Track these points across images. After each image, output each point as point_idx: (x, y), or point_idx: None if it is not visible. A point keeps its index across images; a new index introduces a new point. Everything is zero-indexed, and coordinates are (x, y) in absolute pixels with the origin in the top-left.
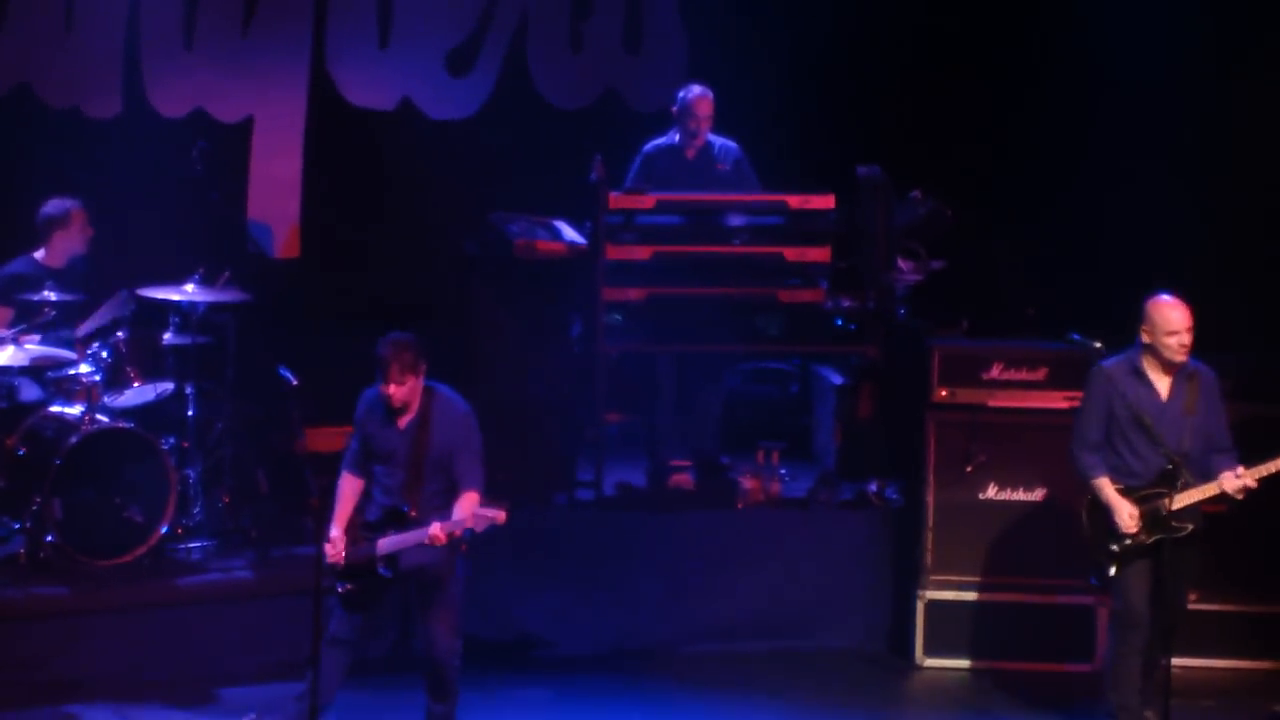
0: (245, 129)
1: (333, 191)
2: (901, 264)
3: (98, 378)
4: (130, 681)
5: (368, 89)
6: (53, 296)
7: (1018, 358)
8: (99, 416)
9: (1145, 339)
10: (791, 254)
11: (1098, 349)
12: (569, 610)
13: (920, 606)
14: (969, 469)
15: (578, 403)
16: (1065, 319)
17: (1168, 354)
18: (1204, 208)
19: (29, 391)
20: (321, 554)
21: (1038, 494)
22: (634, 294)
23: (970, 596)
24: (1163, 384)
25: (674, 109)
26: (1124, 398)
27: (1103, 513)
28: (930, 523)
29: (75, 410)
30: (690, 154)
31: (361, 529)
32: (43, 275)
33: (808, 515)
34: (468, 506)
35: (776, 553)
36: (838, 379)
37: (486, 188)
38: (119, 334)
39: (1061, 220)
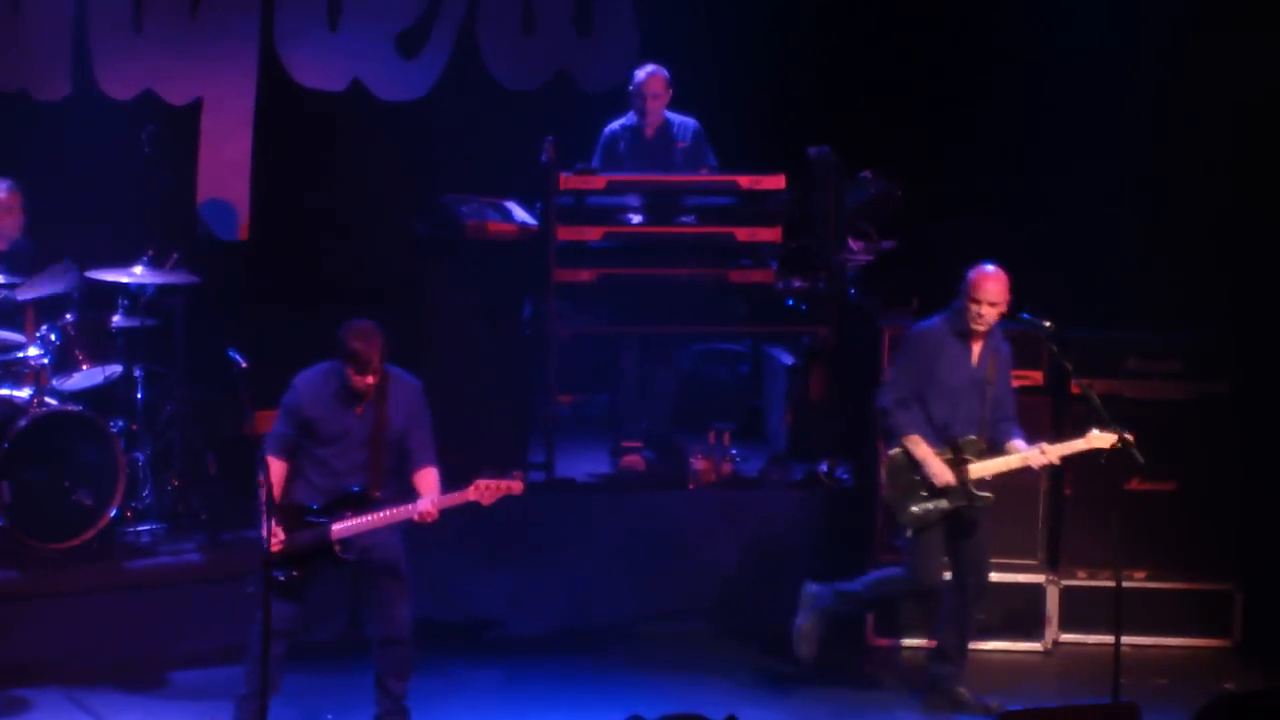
0: (194, 111)
1: (283, 173)
2: (852, 244)
3: (46, 361)
4: (80, 665)
5: (317, 71)
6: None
7: None
8: (48, 399)
9: (960, 304)
10: (743, 234)
11: (1048, 327)
12: (521, 592)
13: None
14: None
15: (529, 384)
16: (1016, 298)
17: (970, 320)
18: (1154, 187)
19: None
20: (266, 544)
21: None
22: (585, 275)
23: None
24: (973, 351)
25: (630, 88)
26: (936, 360)
27: (906, 472)
28: (881, 502)
29: (23, 393)
30: (649, 133)
31: (300, 514)
32: None
33: (759, 495)
34: (432, 482)
35: (728, 533)
36: (789, 359)
37: (437, 169)
38: (67, 316)
39: (1012, 199)
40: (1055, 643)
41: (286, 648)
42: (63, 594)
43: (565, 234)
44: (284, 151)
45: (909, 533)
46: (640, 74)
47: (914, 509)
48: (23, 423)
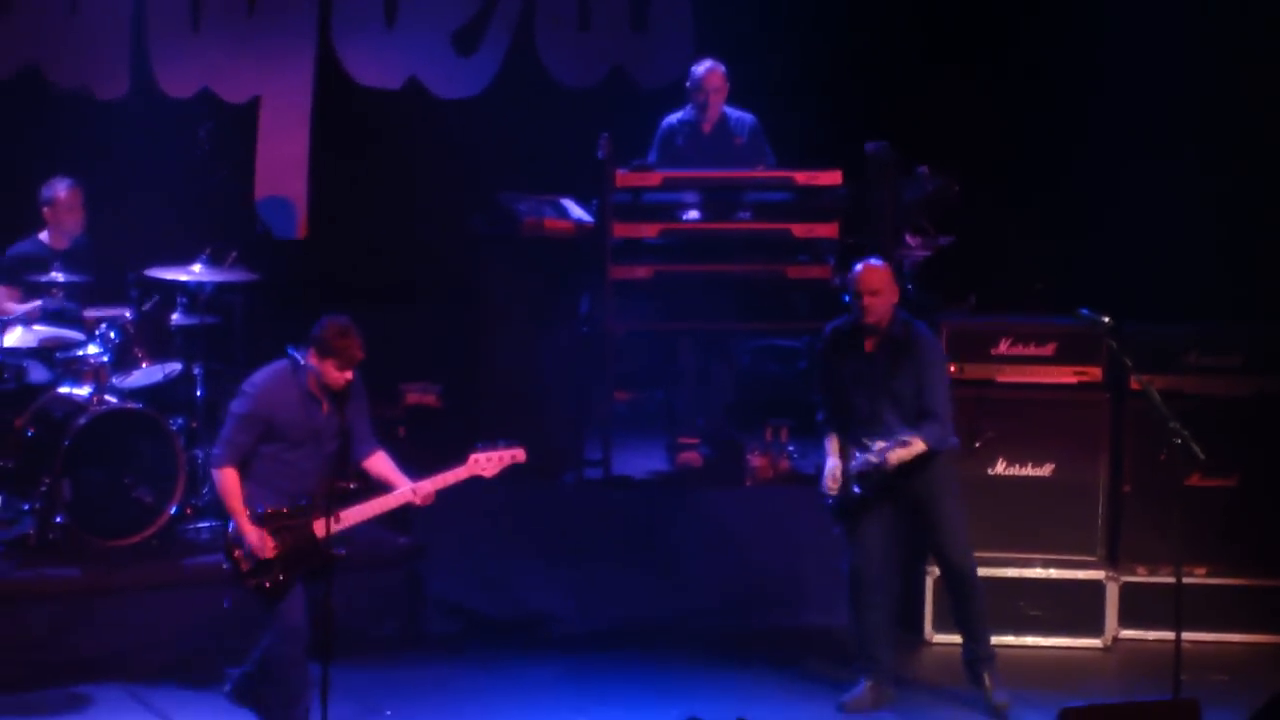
0: (252, 109)
1: (340, 171)
2: (909, 240)
3: (106, 359)
4: (141, 662)
5: (374, 68)
6: (60, 277)
7: (1026, 333)
8: (107, 397)
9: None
10: (799, 230)
11: (1106, 323)
12: (576, 588)
13: (929, 583)
14: (977, 445)
15: (585, 381)
16: (1074, 294)
17: (856, 314)
18: (1214, 180)
19: (37, 373)
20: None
21: (1046, 469)
22: (641, 272)
23: (979, 571)
24: (868, 345)
25: (687, 84)
26: (834, 360)
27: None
28: None
29: (84, 391)
30: (706, 128)
31: (277, 518)
32: (48, 256)
33: (817, 492)
34: (388, 464)
35: (786, 530)
36: None
37: (494, 166)
38: (125, 314)
39: (1070, 195)
40: (1115, 639)
41: (304, 650)
42: (123, 591)
43: (621, 231)
44: (341, 149)
45: (836, 528)
46: (699, 69)
47: (828, 501)
48: (83, 420)
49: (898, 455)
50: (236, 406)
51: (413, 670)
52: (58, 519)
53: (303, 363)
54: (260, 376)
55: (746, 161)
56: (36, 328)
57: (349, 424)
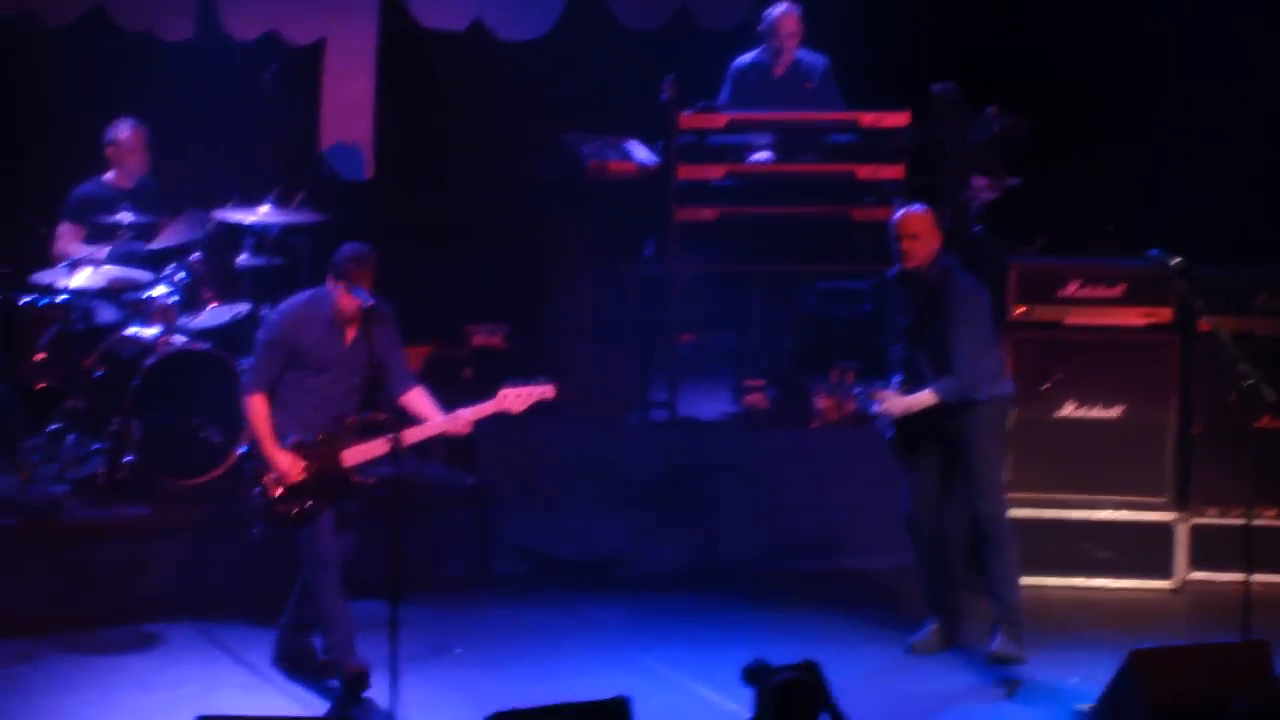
0: (317, 51)
1: (405, 113)
2: (976, 181)
3: (174, 299)
4: (211, 600)
5: (439, 10)
6: (127, 218)
7: (1095, 274)
8: (176, 337)
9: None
10: (864, 172)
11: (1176, 265)
12: (641, 530)
13: (1005, 503)
14: (1046, 387)
15: (651, 323)
16: (1143, 235)
17: (897, 258)
18: None
19: (106, 313)
20: (396, 475)
21: (1116, 411)
22: (707, 214)
23: (1047, 514)
24: (910, 293)
25: (760, 27)
26: (886, 305)
27: None
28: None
29: (152, 332)
30: (779, 71)
31: (303, 445)
32: (115, 197)
33: (880, 430)
34: (427, 399)
35: (851, 471)
36: None
37: (558, 109)
38: (194, 256)
39: (1140, 134)
40: (1184, 581)
41: (339, 578)
42: (193, 530)
43: (686, 173)
44: (406, 91)
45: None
46: (774, 12)
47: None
48: (151, 361)
49: (902, 404)
50: (261, 334)
51: (481, 609)
52: (127, 458)
53: (327, 290)
54: (285, 304)
55: (816, 105)
56: (105, 268)
57: (379, 356)
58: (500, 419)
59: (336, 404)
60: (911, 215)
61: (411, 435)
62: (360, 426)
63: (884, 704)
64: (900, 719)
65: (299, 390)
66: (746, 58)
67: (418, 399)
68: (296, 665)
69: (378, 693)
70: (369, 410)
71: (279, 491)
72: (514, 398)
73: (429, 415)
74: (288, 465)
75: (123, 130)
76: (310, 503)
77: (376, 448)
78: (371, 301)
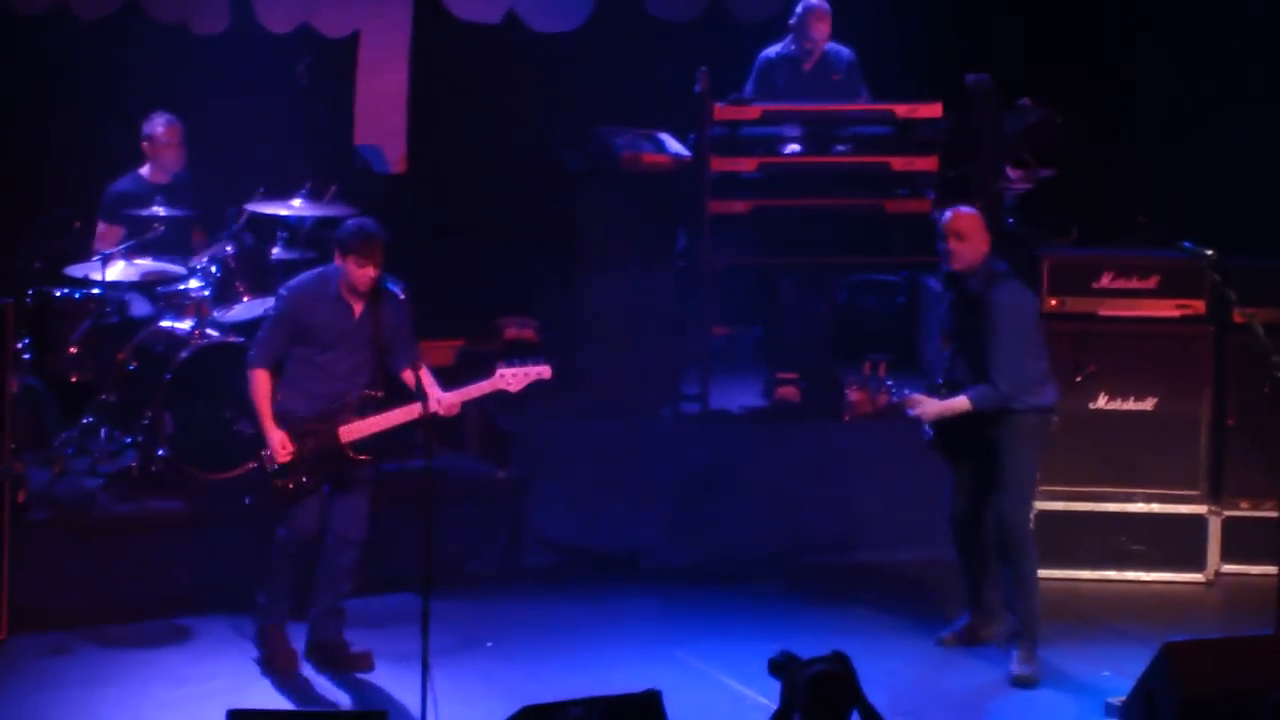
0: (351, 44)
1: (439, 106)
2: (1010, 173)
3: (207, 293)
4: (242, 593)
5: (473, 3)
6: (161, 212)
7: (1128, 266)
8: (209, 331)
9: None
10: (899, 164)
11: (1210, 256)
12: (674, 523)
13: (1030, 517)
14: (1079, 379)
15: (683, 316)
16: (1177, 226)
17: (942, 259)
18: None
19: (139, 307)
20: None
21: (1148, 403)
22: (739, 206)
23: (1079, 507)
24: (953, 296)
25: (791, 21)
26: (935, 303)
27: None
28: None
29: (185, 325)
30: (807, 66)
31: (302, 421)
32: (150, 191)
33: (915, 427)
34: (430, 378)
35: (883, 465)
36: None
37: (591, 101)
38: (228, 249)
39: (1173, 126)
40: (1217, 574)
41: (308, 553)
42: (224, 523)
43: (719, 165)
44: (440, 84)
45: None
46: (807, 11)
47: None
48: (184, 354)
49: (935, 410)
50: (269, 309)
51: (512, 602)
52: (160, 452)
53: (335, 267)
54: (295, 280)
55: (842, 97)
56: (138, 261)
57: (384, 334)
58: (535, 412)
59: (342, 380)
60: (960, 216)
61: (402, 415)
62: (360, 403)
63: (914, 697)
64: (930, 713)
65: (306, 365)
66: (773, 50)
67: (426, 374)
68: (327, 657)
69: (409, 686)
70: (370, 388)
71: (274, 466)
72: (510, 377)
73: (430, 394)
74: (279, 443)
75: (158, 125)
76: (305, 478)
77: (374, 424)
78: (372, 272)
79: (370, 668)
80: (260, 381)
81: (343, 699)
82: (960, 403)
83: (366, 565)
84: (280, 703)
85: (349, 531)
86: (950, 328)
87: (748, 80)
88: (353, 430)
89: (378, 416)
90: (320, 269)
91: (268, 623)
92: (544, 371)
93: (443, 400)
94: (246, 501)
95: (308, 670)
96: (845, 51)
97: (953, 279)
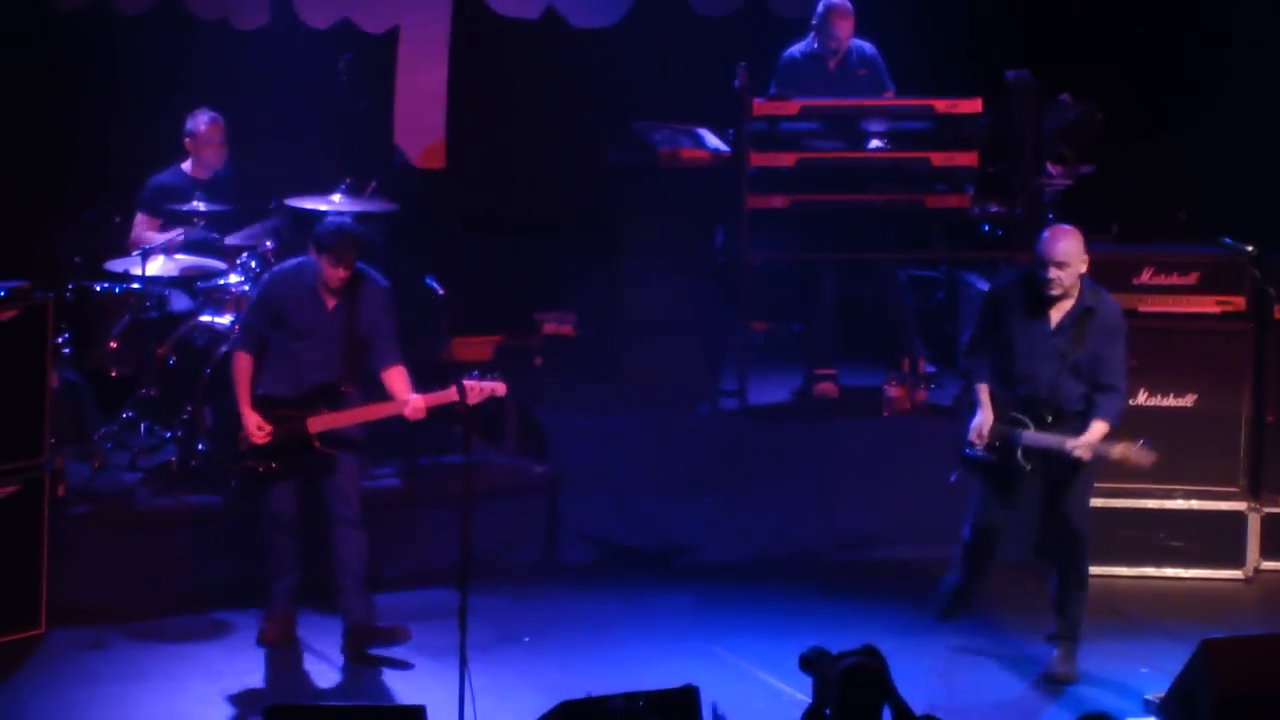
0: (391, 39)
1: (478, 102)
2: (1050, 169)
3: (247, 288)
4: None
5: None
6: (201, 207)
7: (1168, 262)
8: None
9: (1034, 266)
10: (938, 159)
11: (1250, 253)
12: (711, 519)
13: None
14: None
15: (722, 312)
16: (1217, 223)
17: (1039, 285)
18: None
19: (179, 302)
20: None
21: (1188, 400)
22: (778, 201)
23: (1118, 503)
24: (1052, 313)
25: (813, 20)
26: (1009, 318)
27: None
28: None
29: (225, 320)
30: (832, 64)
31: (275, 407)
32: (190, 186)
33: (954, 423)
34: (403, 379)
35: (921, 461)
36: (984, 286)
37: (630, 96)
38: (267, 244)
39: (1214, 122)
40: (1256, 570)
41: (296, 537)
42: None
43: (758, 160)
44: (479, 80)
45: (954, 476)
46: (829, 10)
47: (964, 451)
48: (224, 349)
49: (1093, 450)
50: (252, 293)
51: (550, 598)
52: (199, 446)
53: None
54: (277, 267)
55: (868, 93)
56: (178, 256)
57: (360, 329)
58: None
59: (316, 370)
60: (1064, 243)
61: (372, 412)
62: (331, 395)
63: (947, 693)
64: (964, 709)
65: (281, 352)
66: (797, 49)
67: (394, 377)
68: (360, 642)
69: (447, 680)
70: (343, 382)
71: (244, 448)
72: (467, 390)
73: (400, 395)
74: (254, 426)
75: (202, 122)
76: (274, 464)
77: (344, 418)
78: (342, 272)
79: (407, 637)
80: (239, 363)
81: (381, 694)
82: (1103, 429)
83: (398, 556)
84: (318, 698)
85: (344, 513)
86: (1053, 350)
87: (773, 80)
88: (321, 422)
89: (347, 411)
90: (302, 258)
91: (274, 610)
92: (498, 388)
93: (409, 403)
94: (232, 484)
95: (345, 666)
96: (869, 47)
97: (1051, 300)
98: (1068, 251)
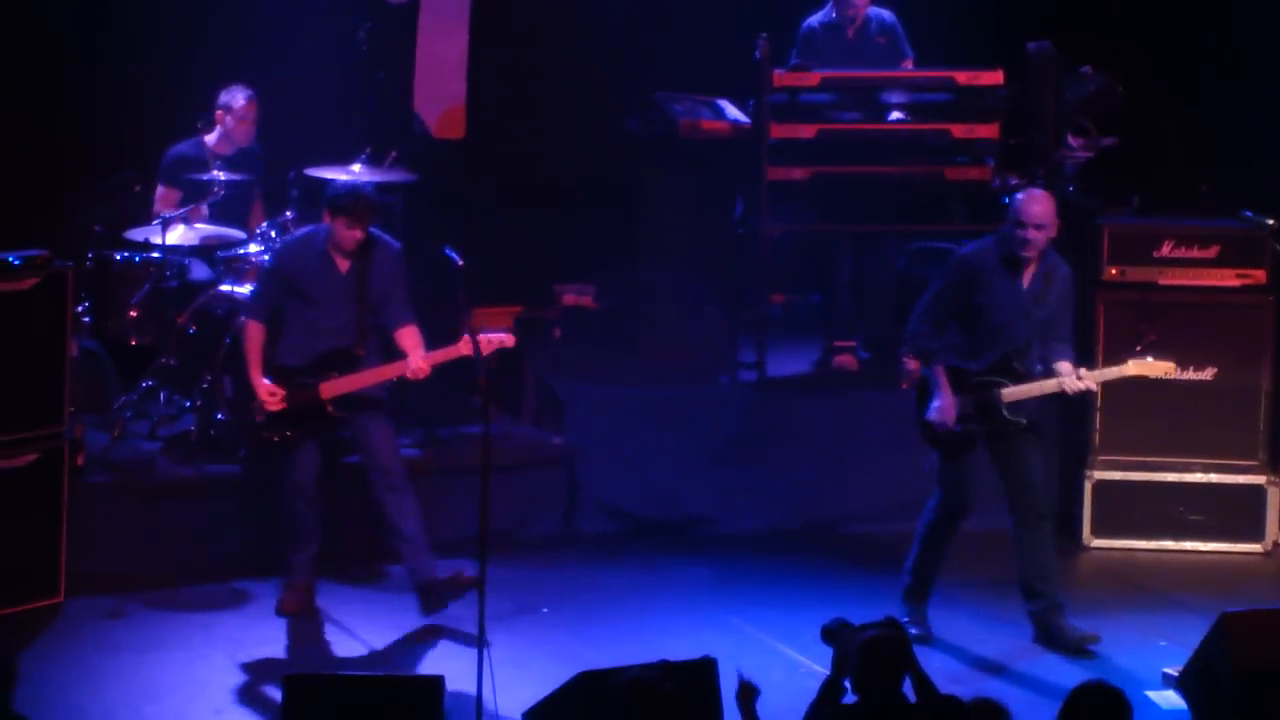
0: (412, 10)
1: (498, 72)
2: (1071, 141)
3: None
4: None
5: None
6: (221, 176)
7: (1189, 235)
8: None
9: (1008, 228)
10: (959, 131)
11: (1271, 226)
12: (730, 491)
13: (1088, 487)
14: (1138, 348)
15: (741, 283)
16: (1238, 196)
17: (1015, 245)
18: None
19: (199, 271)
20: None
21: (1208, 373)
22: (798, 173)
23: (1139, 476)
24: (1022, 276)
25: None
26: (990, 280)
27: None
28: (1099, 402)
29: (244, 289)
30: (850, 33)
31: (287, 375)
32: (209, 158)
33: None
34: (416, 339)
35: None
36: None
37: (650, 67)
38: (287, 214)
39: (1235, 94)
40: (1275, 544)
41: (315, 507)
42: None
43: (778, 132)
44: (500, 50)
45: (929, 460)
46: None
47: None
48: (243, 318)
49: (1101, 376)
50: (263, 263)
51: (569, 569)
52: (219, 416)
53: (325, 225)
54: (288, 236)
55: (887, 61)
56: (198, 225)
57: (373, 292)
58: (591, 379)
59: (331, 337)
60: (1044, 205)
61: (383, 373)
62: (345, 360)
63: (968, 665)
64: (984, 680)
65: (296, 321)
66: (815, 19)
67: (407, 336)
68: (432, 599)
69: (466, 651)
70: (356, 345)
71: (260, 418)
72: (476, 343)
73: (410, 353)
74: (266, 394)
75: (239, 98)
76: (289, 431)
77: (355, 381)
78: (358, 233)
79: (471, 584)
80: (250, 332)
81: (400, 664)
82: (1088, 376)
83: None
84: (337, 668)
85: (384, 481)
86: (1024, 308)
87: (793, 51)
88: (334, 386)
89: (358, 374)
90: (311, 226)
91: (294, 580)
92: (506, 340)
93: (411, 363)
94: (241, 454)
95: (365, 635)
96: (887, 15)
97: (1023, 261)
98: (1046, 214)
